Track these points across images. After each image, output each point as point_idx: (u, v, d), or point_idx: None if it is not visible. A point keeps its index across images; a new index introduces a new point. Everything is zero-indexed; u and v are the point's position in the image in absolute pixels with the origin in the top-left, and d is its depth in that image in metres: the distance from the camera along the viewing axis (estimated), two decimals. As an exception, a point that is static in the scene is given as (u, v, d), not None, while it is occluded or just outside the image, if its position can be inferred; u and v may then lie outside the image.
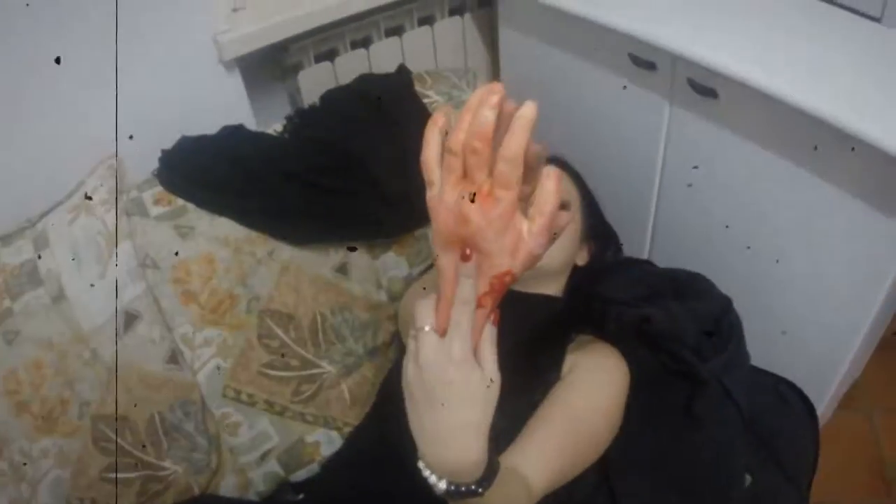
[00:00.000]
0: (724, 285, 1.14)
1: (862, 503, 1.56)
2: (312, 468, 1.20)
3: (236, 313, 1.11)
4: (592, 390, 0.93)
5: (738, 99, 1.13)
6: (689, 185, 1.32)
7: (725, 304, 1.10)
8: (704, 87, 1.16)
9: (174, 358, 1.08)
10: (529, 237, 0.52)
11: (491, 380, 0.55)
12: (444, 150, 0.52)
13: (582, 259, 1.15)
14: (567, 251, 1.08)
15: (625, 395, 0.96)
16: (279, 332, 1.14)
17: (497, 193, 0.50)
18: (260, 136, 1.21)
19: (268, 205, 1.15)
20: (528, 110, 0.49)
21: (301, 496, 1.15)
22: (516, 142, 0.48)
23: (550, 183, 0.51)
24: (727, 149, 1.19)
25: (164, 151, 1.15)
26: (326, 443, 1.20)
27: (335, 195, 1.19)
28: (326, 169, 1.19)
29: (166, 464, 1.08)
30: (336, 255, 1.20)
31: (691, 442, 1.02)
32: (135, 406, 1.04)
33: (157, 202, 1.11)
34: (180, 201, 1.11)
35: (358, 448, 1.17)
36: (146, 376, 1.05)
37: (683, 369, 1.08)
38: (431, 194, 0.53)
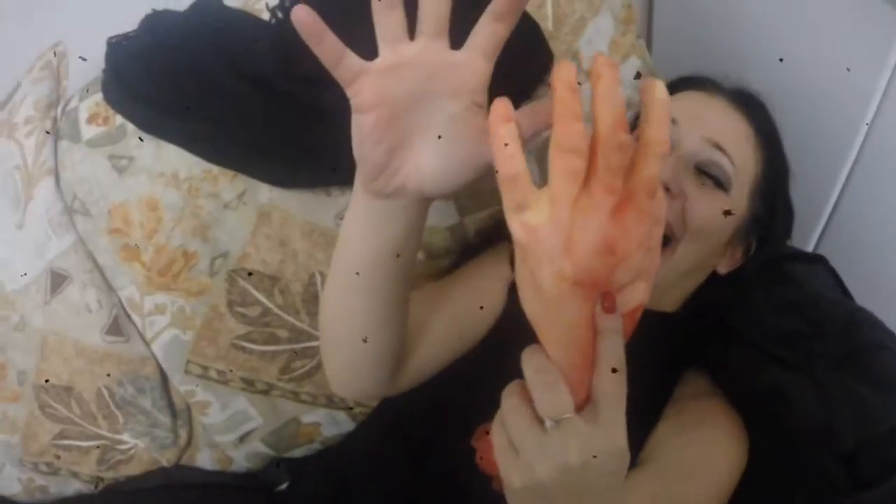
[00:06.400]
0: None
1: None
2: (313, 447, 0.98)
3: (194, 276, 0.83)
4: (703, 477, 0.65)
5: None
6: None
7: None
8: None
9: (116, 328, 0.84)
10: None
11: None
12: (556, 148, 0.38)
13: (727, 265, 0.72)
14: (701, 252, 0.67)
15: (738, 479, 0.66)
16: (260, 297, 0.86)
17: (643, 204, 0.38)
18: (237, 18, 0.82)
19: (236, 127, 0.80)
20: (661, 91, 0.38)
21: (286, 485, 0.94)
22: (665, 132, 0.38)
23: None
24: None
25: (111, 40, 0.82)
26: (329, 423, 0.95)
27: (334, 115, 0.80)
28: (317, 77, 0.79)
29: (125, 437, 0.91)
30: (342, 198, 0.84)
31: None
32: (78, 377, 0.86)
33: (90, 119, 0.81)
34: (119, 119, 0.81)
35: (374, 440, 0.90)
36: (84, 349, 0.85)
37: (818, 488, 0.67)
38: (531, 222, 0.39)
